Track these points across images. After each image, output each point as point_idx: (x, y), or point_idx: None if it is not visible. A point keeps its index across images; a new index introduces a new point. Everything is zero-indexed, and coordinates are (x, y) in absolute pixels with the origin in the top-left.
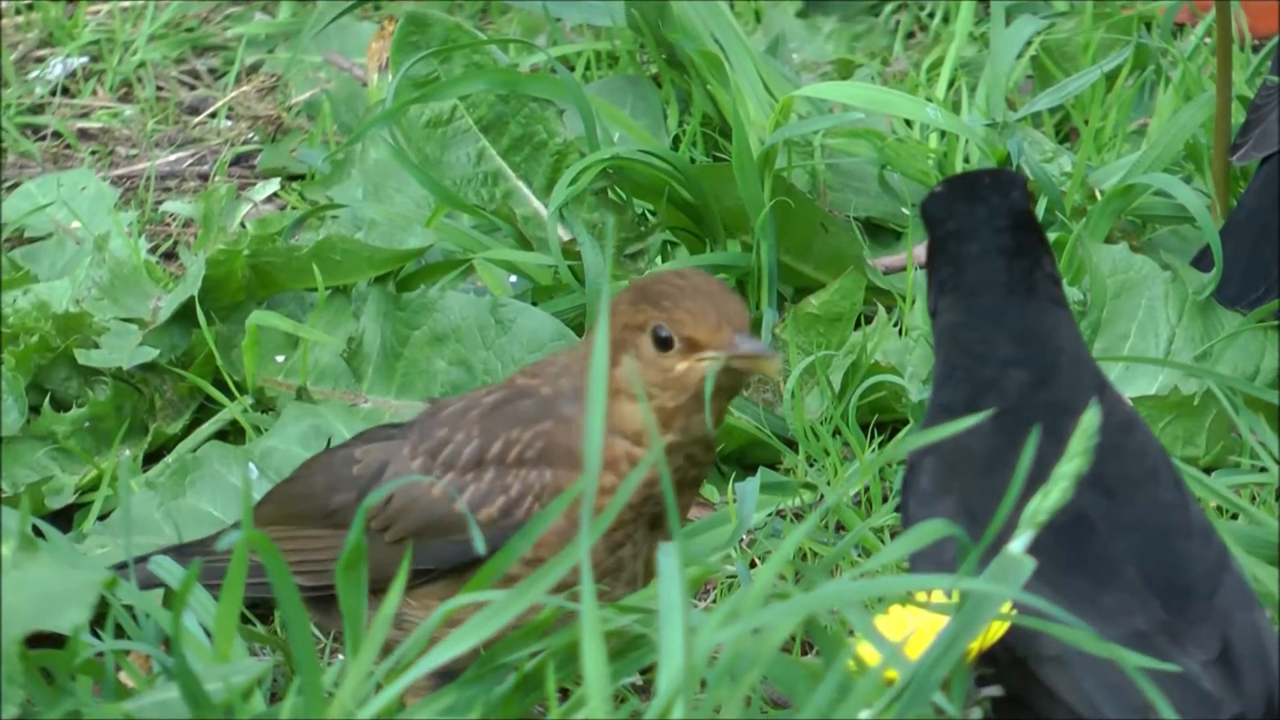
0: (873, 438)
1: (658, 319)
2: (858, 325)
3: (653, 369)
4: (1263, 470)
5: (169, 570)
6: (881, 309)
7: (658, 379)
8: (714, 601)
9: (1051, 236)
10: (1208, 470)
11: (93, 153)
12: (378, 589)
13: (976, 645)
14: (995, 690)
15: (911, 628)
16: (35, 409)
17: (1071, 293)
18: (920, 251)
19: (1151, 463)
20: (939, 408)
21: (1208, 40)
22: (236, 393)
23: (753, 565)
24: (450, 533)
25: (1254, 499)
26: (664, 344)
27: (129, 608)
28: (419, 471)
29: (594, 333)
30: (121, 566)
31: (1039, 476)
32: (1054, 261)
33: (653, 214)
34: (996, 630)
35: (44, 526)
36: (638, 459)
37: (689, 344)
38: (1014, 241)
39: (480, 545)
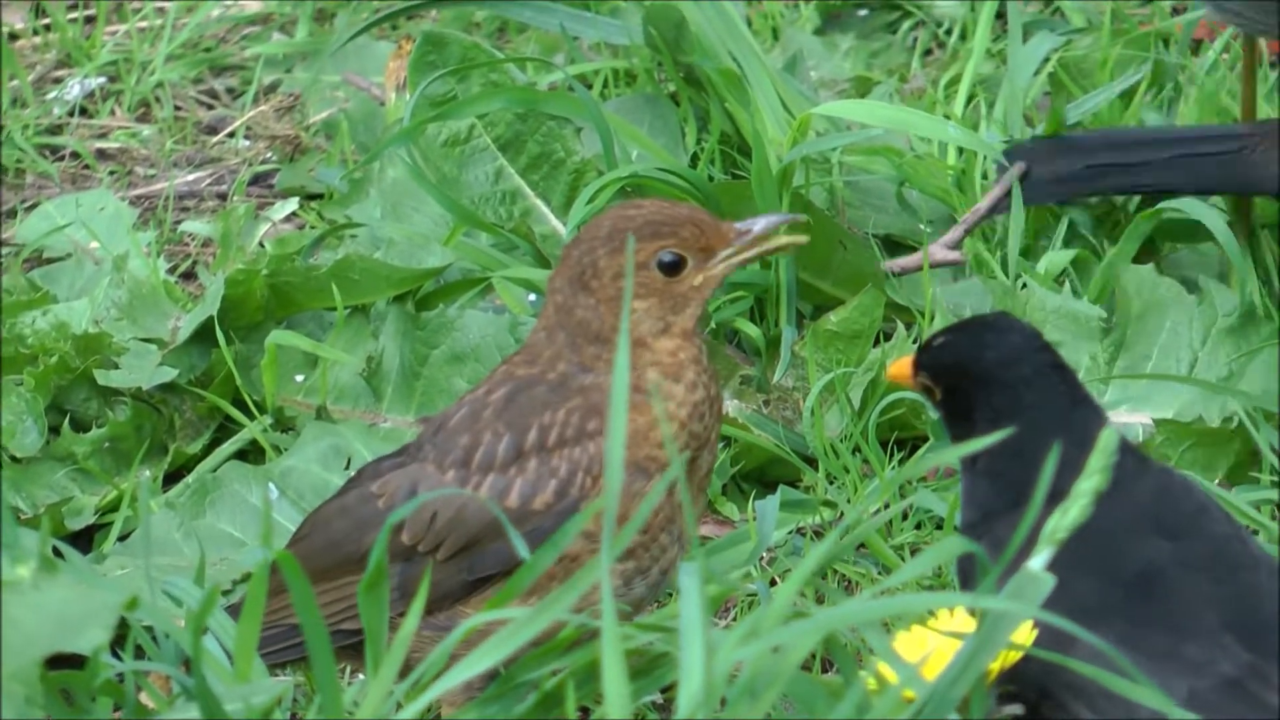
0: (892, 455)
1: (661, 247)
2: (877, 342)
3: (666, 298)
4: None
5: (188, 592)
6: (900, 325)
7: (674, 303)
8: (734, 619)
9: (1072, 254)
10: (1228, 486)
11: (111, 173)
12: (435, 610)
13: (997, 665)
14: (1016, 709)
15: (930, 647)
16: (55, 430)
17: (1094, 310)
18: (937, 251)
19: (1199, 498)
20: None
21: (1225, 56)
22: (256, 412)
23: (773, 583)
24: (506, 531)
25: (1274, 515)
26: (673, 268)
27: (149, 628)
28: (455, 484)
29: (552, 311)
30: None
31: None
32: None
33: None
34: (1016, 651)
35: (64, 547)
36: (669, 392)
37: (704, 255)
38: (1056, 357)
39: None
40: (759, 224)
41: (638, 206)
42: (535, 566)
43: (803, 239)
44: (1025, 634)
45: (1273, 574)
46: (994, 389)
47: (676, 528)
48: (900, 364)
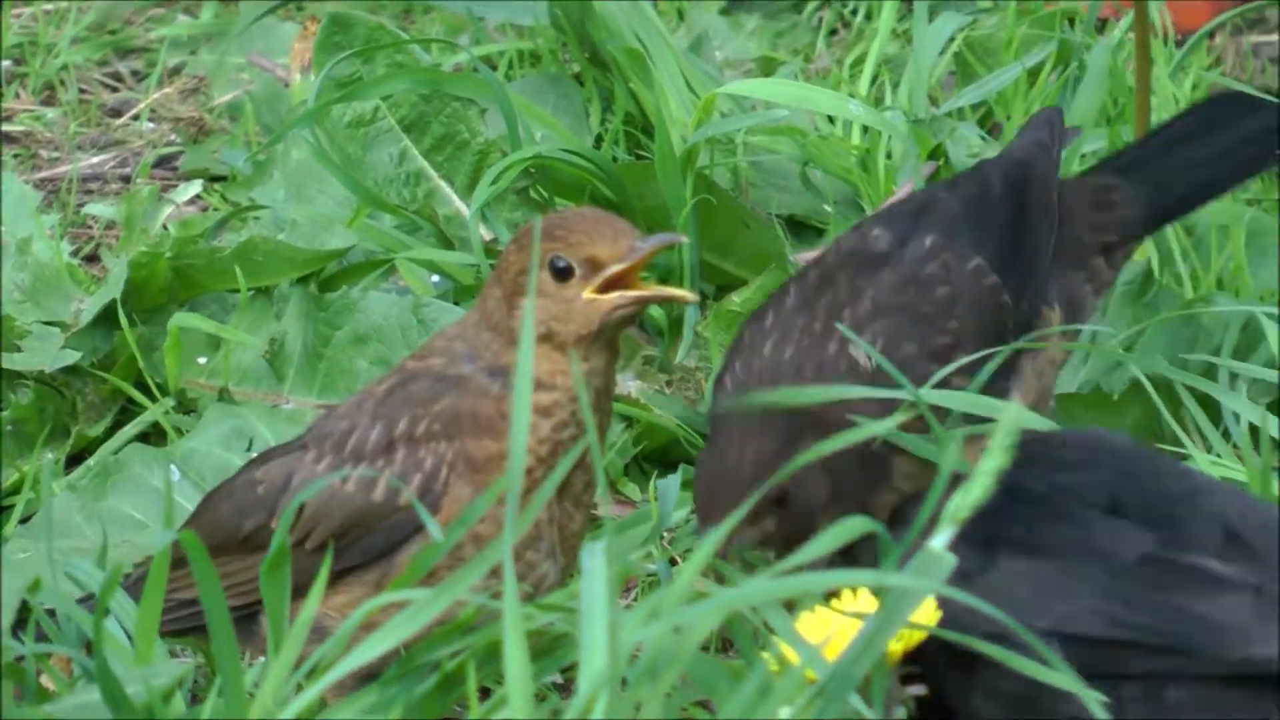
0: None
1: (553, 249)
2: None
3: (555, 302)
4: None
5: (90, 574)
6: None
7: (560, 311)
8: (635, 599)
9: None
10: None
11: (15, 155)
12: (301, 598)
13: (899, 646)
14: (919, 689)
15: (833, 627)
16: None
17: None
18: None
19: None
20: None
21: (1130, 35)
22: (159, 394)
23: (674, 563)
24: (374, 523)
25: None
26: (563, 274)
27: (51, 611)
28: (329, 471)
29: (481, 301)
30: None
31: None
32: None
33: None
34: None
35: None
36: (546, 405)
37: (590, 265)
38: None
39: (434, 529)
40: (649, 242)
41: (564, 212)
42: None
43: (693, 298)
44: (928, 614)
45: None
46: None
47: (546, 544)
48: None
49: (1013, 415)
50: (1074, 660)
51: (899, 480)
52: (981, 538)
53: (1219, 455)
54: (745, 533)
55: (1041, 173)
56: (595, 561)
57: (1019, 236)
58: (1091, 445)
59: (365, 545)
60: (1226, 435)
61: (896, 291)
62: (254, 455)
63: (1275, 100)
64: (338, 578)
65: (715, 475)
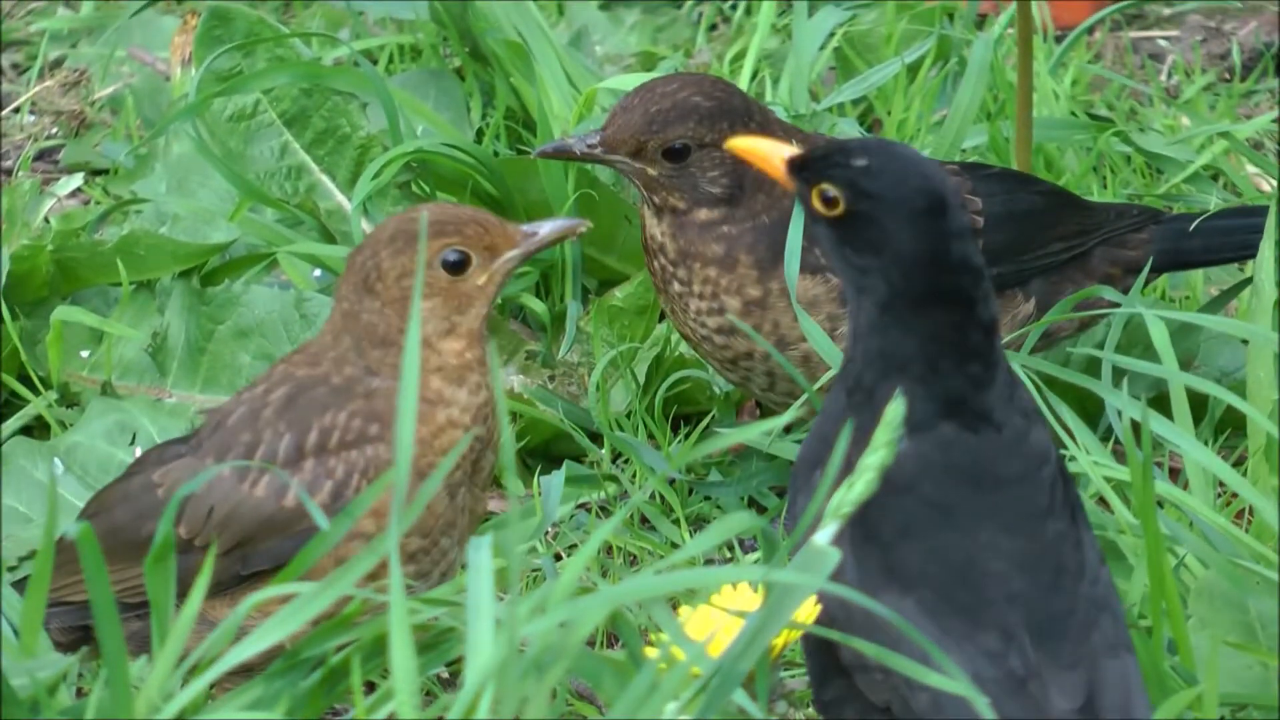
0: (677, 430)
1: (446, 245)
2: (662, 317)
3: (451, 297)
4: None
5: None
6: None
7: (457, 303)
8: (519, 594)
9: None
10: None
11: None
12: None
13: (782, 641)
14: (797, 683)
15: (719, 624)
16: None
17: None
18: None
19: (1053, 497)
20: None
21: (1010, 31)
22: (41, 388)
23: (558, 558)
24: (283, 529)
25: None
26: (458, 267)
27: None
28: (234, 480)
29: (338, 317)
30: None
31: None
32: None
33: None
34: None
35: None
36: (475, 384)
37: (489, 253)
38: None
39: (320, 517)
40: (545, 227)
41: (422, 208)
42: (305, 560)
43: (585, 225)
44: (808, 610)
45: (1095, 582)
46: (916, 240)
47: (458, 531)
48: (768, 151)
49: (895, 413)
50: None
51: None
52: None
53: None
54: None
55: None
56: (481, 556)
57: None
58: None
59: (275, 551)
60: (1109, 434)
61: None
62: (140, 455)
63: None
64: (250, 581)
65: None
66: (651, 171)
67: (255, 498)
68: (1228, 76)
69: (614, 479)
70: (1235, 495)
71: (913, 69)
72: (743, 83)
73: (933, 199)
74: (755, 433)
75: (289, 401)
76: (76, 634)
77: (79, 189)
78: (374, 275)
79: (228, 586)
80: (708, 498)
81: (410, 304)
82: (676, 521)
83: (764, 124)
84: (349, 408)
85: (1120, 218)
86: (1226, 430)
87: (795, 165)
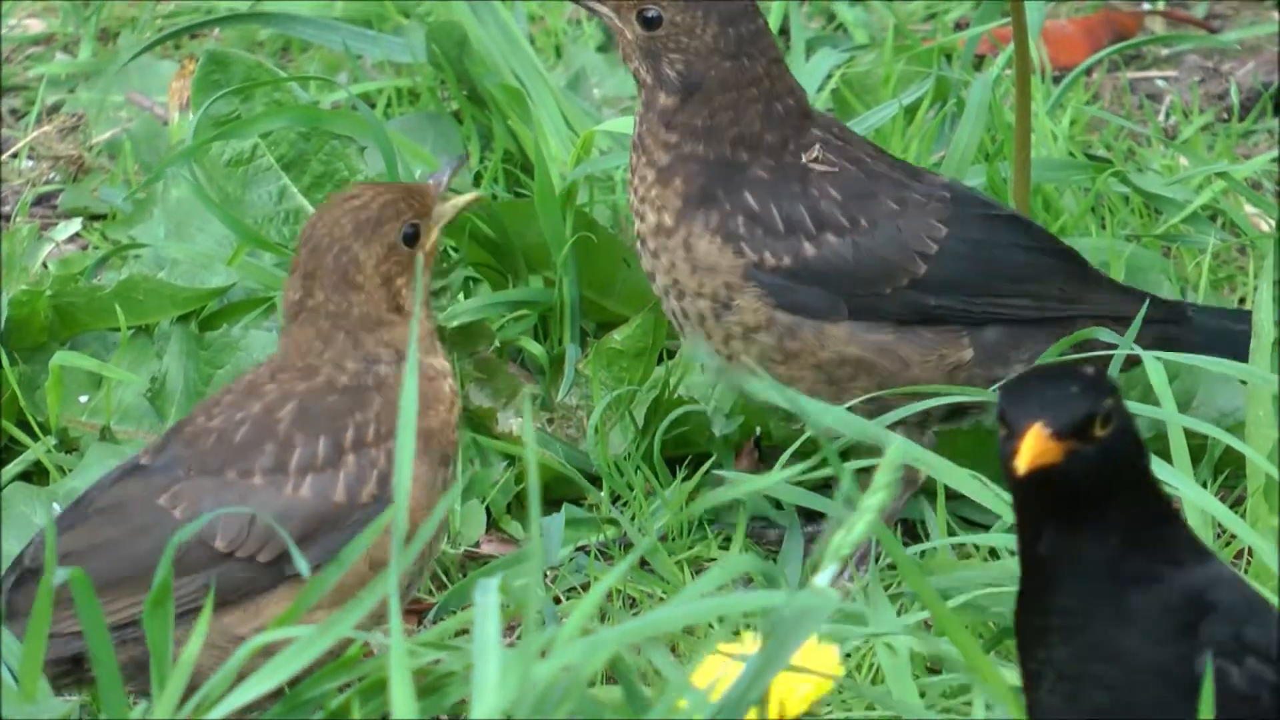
0: (676, 472)
1: (404, 221)
2: (661, 360)
3: (410, 267)
4: None
5: None
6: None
7: (414, 271)
8: (518, 637)
9: None
10: None
11: None
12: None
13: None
14: None
15: (721, 672)
16: None
17: None
18: None
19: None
20: None
21: (1008, 72)
22: (40, 433)
23: (557, 601)
24: (336, 524)
25: None
26: (413, 239)
27: None
28: (271, 489)
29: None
30: None
31: None
32: None
33: (455, 250)
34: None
35: None
36: (441, 366)
37: (426, 216)
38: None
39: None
40: (444, 173)
41: (351, 199)
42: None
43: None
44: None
45: None
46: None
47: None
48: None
49: (897, 451)
50: None
51: None
52: None
53: None
54: None
55: None
56: (488, 599)
57: None
58: None
59: (329, 545)
60: None
61: None
62: (92, 486)
63: None
64: (289, 582)
65: None
66: (629, 34)
67: (303, 499)
68: (1226, 116)
69: (613, 522)
70: (1234, 536)
71: (910, 110)
72: None
73: None
74: (760, 485)
75: (303, 413)
76: (64, 665)
77: (77, 234)
78: (353, 269)
79: (264, 588)
80: (704, 536)
81: (391, 282)
82: (679, 564)
83: (755, 35)
84: (374, 404)
85: (1123, 304)
86: (1226, 470)
87: None
